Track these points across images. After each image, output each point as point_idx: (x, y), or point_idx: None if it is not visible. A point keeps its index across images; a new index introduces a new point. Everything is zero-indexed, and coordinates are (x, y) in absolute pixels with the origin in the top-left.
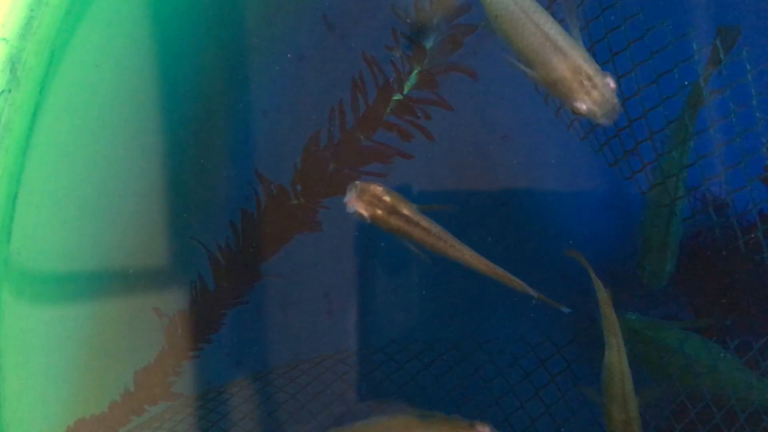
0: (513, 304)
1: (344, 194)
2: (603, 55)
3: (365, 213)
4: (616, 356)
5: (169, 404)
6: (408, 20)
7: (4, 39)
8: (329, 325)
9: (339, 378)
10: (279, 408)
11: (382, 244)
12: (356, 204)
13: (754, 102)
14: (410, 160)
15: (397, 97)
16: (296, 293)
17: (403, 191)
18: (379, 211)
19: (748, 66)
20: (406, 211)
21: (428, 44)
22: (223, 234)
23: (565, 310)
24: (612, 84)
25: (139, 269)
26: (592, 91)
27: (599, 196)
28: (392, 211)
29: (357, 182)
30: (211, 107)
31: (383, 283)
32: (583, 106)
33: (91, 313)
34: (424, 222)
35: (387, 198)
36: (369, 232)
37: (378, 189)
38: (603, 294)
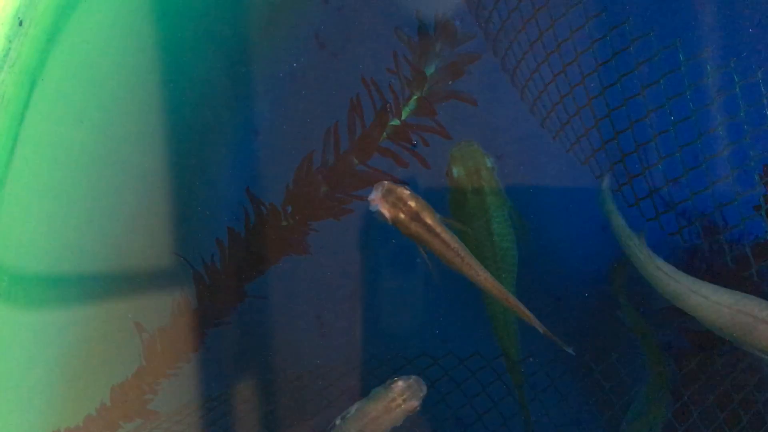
0: None
1: (335, 218)
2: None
3: (387, 214)
4: None
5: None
6: (410, 44)
7: None
8: (321, 347)
9: (320, 392)
10: (258, 423)
11: (377, 265)
12: (380, 203)
13: (742, 114)
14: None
15: (395, 122)
16: (287, 315)
17: None
18: (402, 215)
19: (735, 78)
20: (428, 220)
21: (429, 70)
22: (211, 252)
23: (570, 351)
24: None
25: (121, 283)
26: None
27: (596, 218)
28: (415, 217)
29: (385, 181)
30: (201, 126)
31: (377, 305)
32: None
33: (70, 325)
34: (445, 234)
35: (412, 203)
36: (363, 256)
37: (405, 192)
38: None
